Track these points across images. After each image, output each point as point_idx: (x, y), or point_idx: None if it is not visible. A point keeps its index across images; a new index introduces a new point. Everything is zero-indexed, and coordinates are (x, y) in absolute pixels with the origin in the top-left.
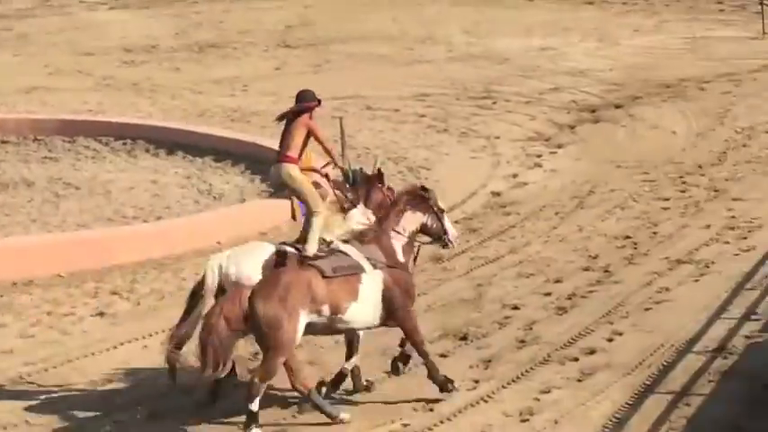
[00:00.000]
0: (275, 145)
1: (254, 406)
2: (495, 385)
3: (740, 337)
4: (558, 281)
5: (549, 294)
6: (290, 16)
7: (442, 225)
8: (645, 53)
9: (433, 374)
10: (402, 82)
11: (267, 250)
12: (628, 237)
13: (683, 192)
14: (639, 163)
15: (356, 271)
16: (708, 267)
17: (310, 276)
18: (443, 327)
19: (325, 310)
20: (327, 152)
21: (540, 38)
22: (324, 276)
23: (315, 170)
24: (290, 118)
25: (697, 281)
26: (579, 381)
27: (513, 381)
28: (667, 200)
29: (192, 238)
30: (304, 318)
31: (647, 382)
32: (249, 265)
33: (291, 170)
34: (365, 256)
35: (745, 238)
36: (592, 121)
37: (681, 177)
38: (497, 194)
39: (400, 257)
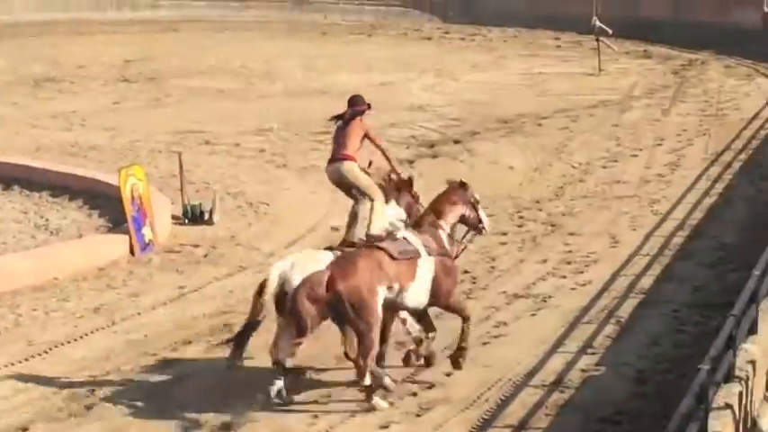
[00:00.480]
0: (113, 180)
1: (367, 380)
2: (334, 420)
3: (576, 370)
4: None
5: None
6: (129, 50)
7: (478, 215)
8: (483, 89)
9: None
10: (242, 117)
11: (327, 257)
12: (466, 271)
13: (520, 226)
14: (479, 198)
15: (415, 255)
16: (545, 302)
17: (381, 257)
18: None
19: (396, 287)
20: (383, 152)
21: (380, 73)
22: (392, 258)
23: (365, 170)
24: (345, 120)
25: (534, 315)
26: (418, 415)
27: (352, 415)
28: (505, 234)
29: (29, 274)
30: (381, 293)
31: (485, 417)
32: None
33: (351, 167)
34: (422, 244)
35: (582, 272)
36: (431, 155)
37: (518, 212)
38: (336, 229)
39: (446, 246)
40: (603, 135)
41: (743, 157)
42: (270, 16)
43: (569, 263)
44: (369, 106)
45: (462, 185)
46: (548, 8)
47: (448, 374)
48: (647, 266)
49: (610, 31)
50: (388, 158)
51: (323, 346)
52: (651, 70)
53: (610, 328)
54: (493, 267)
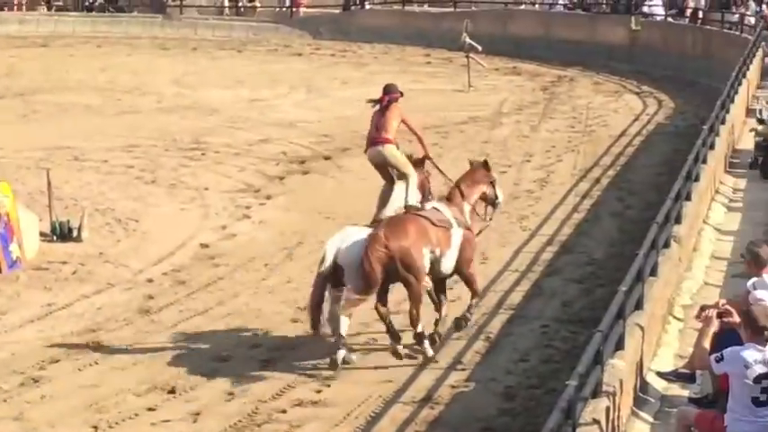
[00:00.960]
0: None
1: (419, 328)
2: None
3: (446, 386)
4: (266, 333)
5: (257, 346)
6: None
7: (495, 192)
8: (353, 105)
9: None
10: (110, 133)
11: (366, 232)
12: None
13: None
14: (348, 214)
15: (449, 225)
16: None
17: (425, 222)
18: (151, 380)
19: (437, 252)
20: (418, 137)
21: (250, 89)
22: (432, 224)
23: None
24: (382, 106)
25: (404, 331)
26: None
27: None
28: None
29: None
30: (426, 254)
31: None
32: (357, 246)
33: (391, 149)
34: (452, 216)
35: (452, 288)
36: (301, 172)
37: None
38: (206, 246)
39: (469, 221)
40: (473, 151)
41: (611, 173)
42: (140, 31)
43: None
44: (401, 94)
45: (485, 165)
46: (418, 25)
47: (318, 391)
48: (517, 282)
49: (479, 48)
50: (422, 142)
51: None
52: (520, 87)
53: (479, 344)
54: None
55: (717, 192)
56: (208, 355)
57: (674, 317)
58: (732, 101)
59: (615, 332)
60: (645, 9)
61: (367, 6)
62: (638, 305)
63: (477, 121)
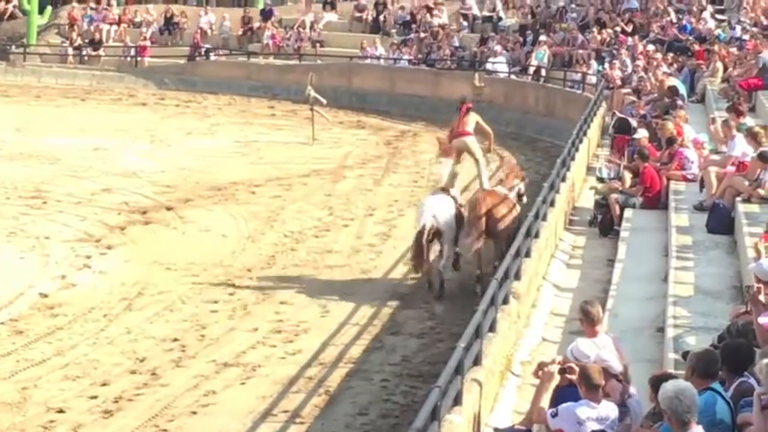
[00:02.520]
0: None
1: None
2: None
3: None
4: (104, 384)
5: (95, 397)
6: None
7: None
8: (197, 155)
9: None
10: None
11: (453, 197)
12: (176, 339)
13: (231, 295)
14: (189, 265)
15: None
16: (254, 371)
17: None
18: None
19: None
20: (488, 134)
21: (94, 137)
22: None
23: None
24: (462, 112)
25: (244, 384)
26: None
27: None
28: (216, 302)
29: None
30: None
31: None
32: (449, 210)
33: (472, 140)
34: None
35: (292, 341)
36: (143, 222)
37: (230, 280)
38: (45, 296)
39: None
40: (316, 204)
41: None
42: None
43: (280, 332)
44: (471, 104)
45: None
46: (263, 77)
47: None
48: (357, 336)
49: (324, 101)
50: (490, 138)
51: None
52: (364, 141)
53: (318, 398)
54: (203, 336)
55: (556, 249)
56: (45, 407)
57: (513, 373)
58: (573, 158)
59: (453, 387)
60: (488, 66)
61: (212, 57)
62: (477, 361)
63: (321, 174)
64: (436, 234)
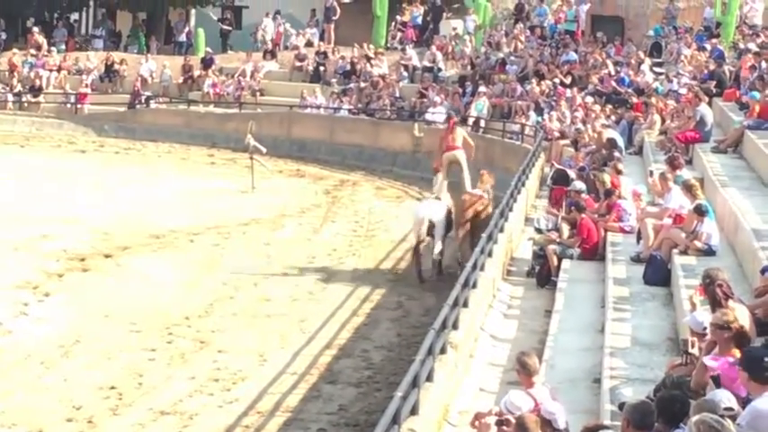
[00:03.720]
0: None
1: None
2: None
3: None
4: (41, 431)
5: None
6: None
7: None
8: (136, 203)
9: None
10: None
11: (444, 202)
12: (113, 387)
13: (169, 342)
14: (127, 313)
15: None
16: (191, 419)
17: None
18: None
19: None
20: (471, 148)
21: (32, 184)
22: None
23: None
24: (450, 126)
25: None
26: None
27: None
28: (154, 350)
29: None
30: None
31: None
32: (441, 210)
33: (462, 153)
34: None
35: (229, 389)
36: (81, 269)
37: (167, 328)
38: None
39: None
40: (255, 252)
41: (391, 277)
42: None
43: (217, 380)
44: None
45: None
46: (203, 125)
47: None
48: (294, 385)
49: (264, 150)
50: (472, 151)
51: None
52: (303, 189)
53: None
54: (140, 383)
55: (494, 299)
56: None
57: (449, 423)
58: (511, 209)
59: None
60: (428, 116)
61: (152, 105)
62: (414, 410)
63: (260, 223)
64: (430, 228)
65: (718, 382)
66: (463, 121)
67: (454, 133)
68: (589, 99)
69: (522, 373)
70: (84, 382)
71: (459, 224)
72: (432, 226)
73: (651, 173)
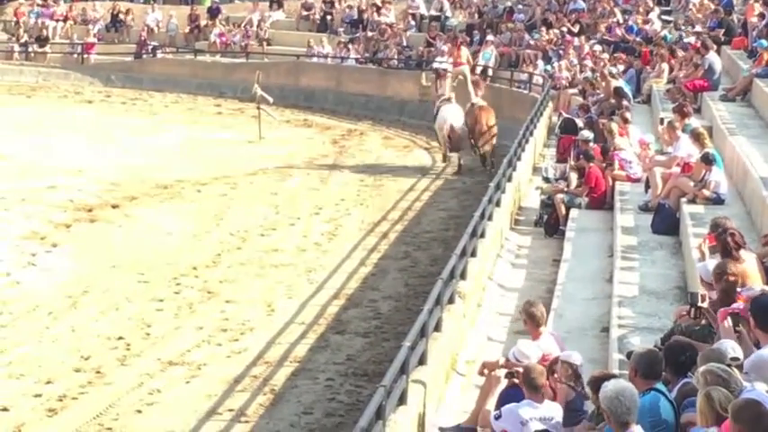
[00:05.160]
0: None
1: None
2: None
3: None
4: (49, 382)
5: (39, 395)
6: None
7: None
8: (143, 153)
9: None
10: None
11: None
12: (121, 337)
13: (177, 293)
14: (135, 263)
15: None
16: (199, 369)
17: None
18: None
19: None
20: (470, 63)
21: (39, 135)
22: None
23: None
24: (456, 46)
25: (188, 383)
26: None
27: None
28: (161, 301)
29: None
30: None
31: None
32: (460, 115)
33: (466, 68)
34: None
35: (237, 340)
36: (88, 220)
37: (175, 278)
38: None
39: None
40: (262, 203)
41: (399, 227)
42: None
43: (225, 330)
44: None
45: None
46: (209, 75)
47: None
48: (302, 335)
49: (271, 100)
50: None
51: None
52: (311, 139)
53: (263, 397)
54: (148, 334)
55: (502, 248)
56: None
57: (458, 372)
58: (519, 159)
59: (398, 387)
60: (436, 65)
61: (159, 55)
62: (422, 360)
63: (267, 173)
64: (451, 133)
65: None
66: (471, 71)
67: (460, 51)
68: (597, 48)
69: (529, 322)
70: (91, 332)
71: (481, 132)
72: (452, 130)
73: (662, 121)
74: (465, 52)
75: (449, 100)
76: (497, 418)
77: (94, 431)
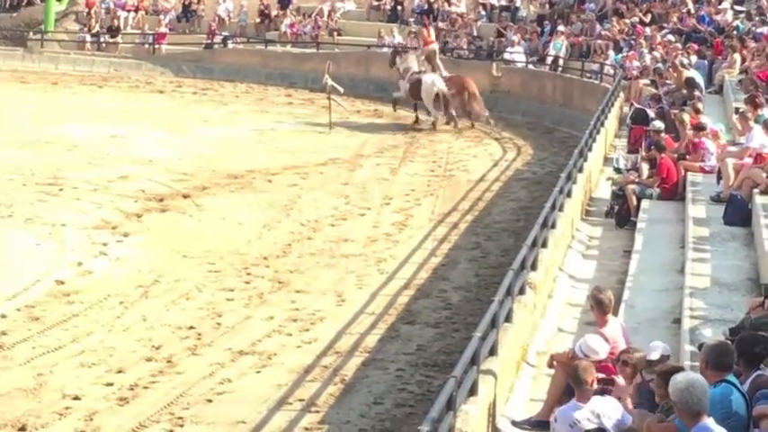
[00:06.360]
0: None
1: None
2: None
3: (300, 428)
4: (120, 371)
5: (110, 384)
6: None
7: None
8: (214, 143)
9: None
10: None
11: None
12: (192, 327)
13: (247, 283)
14: (205, 253)
15: None
16: (270, 359)
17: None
18: (2, 417)
19: None
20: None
21: (110, 125)
22: None
23: None
24: (426, 26)
25: (259, 372)
26: None
27: None
28: (232, 290)
29: None
30: None
31: None
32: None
33: (436, 46)
34: None
35: (308, 330)
36: (159, 210)
37: (246, 268)
38: (62, 282)
39: None
40: (332, 193)
41: (469, 218)
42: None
43: (295, 320)
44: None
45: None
46: (280, 65)
47: (170, 431)
48: (373, 325)
49: (341, 90)
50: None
51: None
52: (381, 130)
53: (334, 387)
54: (219, 324)
55: (573, 239)
56: (60, 393)
57: (528, 363)
58: (590, 149)
59: (469, 378)
60: (506, 55)
61: (230, 45)
62: (493, 351)
63: (338, 163)
64: (437, 98)
65: None
66: (541, 61)
67: (429, 30)
68: (669, 38)
69: (597, 309)
70: (162, 321)
71: (474, 96)
72: (440, 94)
73: (737, 110)
74: (432, 31)
75: (424, 72)
76: (555, 421)
77: (165, 420)
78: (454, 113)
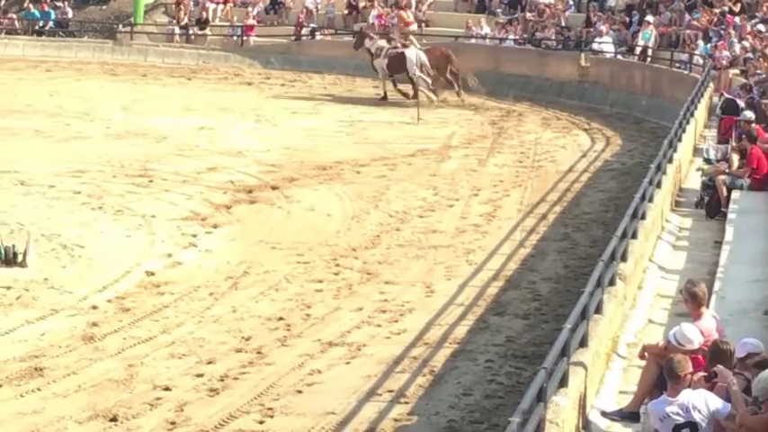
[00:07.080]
0: None
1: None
2: None
3: (389, 419)
4: (210, 362)
5: (201, 375)
6: None
7: None
8: (302, 135)
9: None
10: (58, 158)
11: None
12: (281, 318)
13: (336, 274)
14: (294, 245)
15: None
16: (359, 350)
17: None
18: (93, 408)
19: None
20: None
21: (199, 117)
22: None
23: None
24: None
25: (348, 363)
26: None
27: None
28: (321, 282)
29: None
30: None
31: None
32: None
33: (414, 27)
34: None
35: (397, 321)
36: (248, 201)
37: (335, 260)
38: (152, 274)
39: None
40: (421, 184)
41: (558, 209)
42: (89, 57)
43: (384, 311)
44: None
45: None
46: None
47: (261, 422)
48: (462, 316)
49: (429, 81)
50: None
51: None
52: (469, 120)
53: (423, 378)
54: (308, 315)
55: (663, 230)
56: (151, 384)
57: (619, 355)
58: (680, 140)
59: (559, 369)
60: (595, 46)
61: (318, 37)
62: (583, 342)
63: (426, 154)
64: (421, 67)
65: None
66: (630, 51)
67: (407, 12)
68: (760, 27)
69: (691, 302)
70: (252, 313)
71: (458, 68)
72: (423, 65)
73: None
74: (410, 15)
75: (406, 46)
76: (644, 413)
77: (255, 411)
78: (433, 86)
